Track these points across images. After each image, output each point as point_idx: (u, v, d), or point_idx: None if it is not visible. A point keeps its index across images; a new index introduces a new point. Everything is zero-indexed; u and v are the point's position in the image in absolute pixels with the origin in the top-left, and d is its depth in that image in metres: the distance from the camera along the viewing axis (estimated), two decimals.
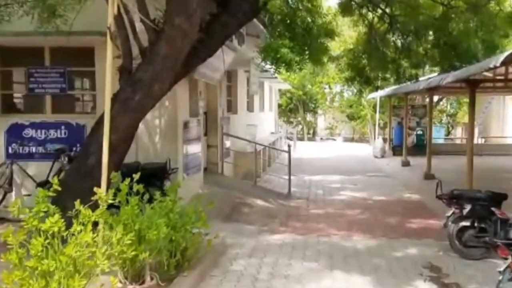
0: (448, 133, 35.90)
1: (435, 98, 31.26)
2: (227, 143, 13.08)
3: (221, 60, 9.80)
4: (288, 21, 6.87)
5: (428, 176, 14.90)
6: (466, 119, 34.57)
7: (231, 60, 10.11)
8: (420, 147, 21.16)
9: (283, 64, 6.64)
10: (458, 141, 30.40)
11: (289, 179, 11.95)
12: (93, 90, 9.08)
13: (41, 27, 7.06)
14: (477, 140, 25.72)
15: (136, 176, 5.12)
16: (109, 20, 5.51)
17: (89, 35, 8.00)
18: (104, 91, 5.52)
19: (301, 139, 34.46)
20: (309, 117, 38.85)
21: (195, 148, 9.87)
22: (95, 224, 4.32)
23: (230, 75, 14.30)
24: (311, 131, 38.92)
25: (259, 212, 9.65)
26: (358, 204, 11.11)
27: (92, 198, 4.37)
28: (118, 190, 4.96)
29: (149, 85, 6.39)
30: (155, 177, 8.08)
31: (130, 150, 8.74)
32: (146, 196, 5.32)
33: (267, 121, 22.68)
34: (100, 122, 6.33)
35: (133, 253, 4.38)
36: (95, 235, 4.06)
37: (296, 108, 36.56)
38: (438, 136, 25.61)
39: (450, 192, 7.20)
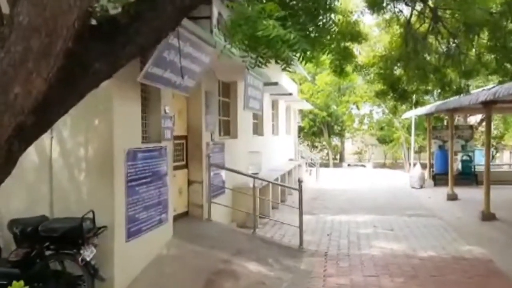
0: (492, 157, 32.09)
1: (478, 117, 27.65)
2: (222, 176, 9.95)
3: (195, 61, 6.77)
4: None
5: (488, 216, 11.46)
6: None
7: (209, 61, 7.02)
8: (467, 176, 17.89)
9: (264, 49, 3.51)
10: (505, 168, 26.68)
11: (301, 227, 8.65)
12: None
13: None
14: None
15: None
16: None
17: None
18: None
19: (326, 165, 31.06)
20: (335, 141, 35.44)
21: (157, 189, 6.73)
22: None
23: (228, 88, 11.20)
24: (337, 157, 35.42)
25: (247, 287, 6.36)
26: (399, 265, 7.72)
27: None
28: None
29: (3, 86, 3.28)
30: (68, 241, 5.04)
31: (42, 197, 5.69)
32: None
33: (284, 146, 19.41)
34: None
35: None
36: None
37: (320, 131, 33.22)
38: (484, 162, 21.87)
39: None
